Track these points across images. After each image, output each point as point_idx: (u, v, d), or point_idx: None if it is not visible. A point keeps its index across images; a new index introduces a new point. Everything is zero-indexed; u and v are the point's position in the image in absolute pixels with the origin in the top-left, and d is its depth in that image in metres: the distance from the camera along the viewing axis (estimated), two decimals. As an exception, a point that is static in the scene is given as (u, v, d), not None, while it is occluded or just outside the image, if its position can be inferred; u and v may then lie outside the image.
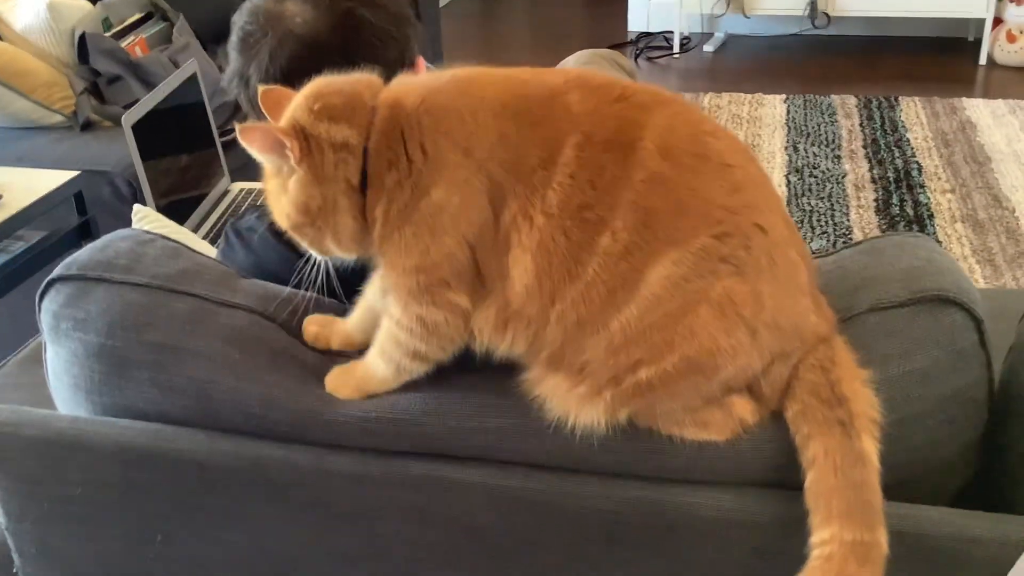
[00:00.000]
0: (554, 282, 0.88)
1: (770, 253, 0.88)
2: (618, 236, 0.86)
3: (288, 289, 1.04)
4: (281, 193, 0.92)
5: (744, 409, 0.91)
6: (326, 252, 0.96)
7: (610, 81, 0.93)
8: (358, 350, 1.00)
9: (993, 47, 4.51)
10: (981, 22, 4.52)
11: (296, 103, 0.92)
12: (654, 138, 0.88)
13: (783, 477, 0.89)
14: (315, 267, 0.99)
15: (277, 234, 1.05)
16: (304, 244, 0.96)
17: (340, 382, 0.97)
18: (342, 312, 1.05)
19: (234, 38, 1.18)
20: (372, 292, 1.01)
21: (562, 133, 0.88)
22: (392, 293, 0.94)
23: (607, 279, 0.87)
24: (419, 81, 0.94)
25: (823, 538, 0.84)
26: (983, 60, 4.54)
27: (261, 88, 0.95)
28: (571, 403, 0.90)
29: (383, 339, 0.95)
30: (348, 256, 0.96)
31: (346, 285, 1.03)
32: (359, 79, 0.94)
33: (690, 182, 0.87)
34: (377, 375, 0.96)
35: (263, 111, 0.95)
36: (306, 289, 1.01)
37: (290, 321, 1.02)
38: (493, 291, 0.91)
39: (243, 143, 0.89)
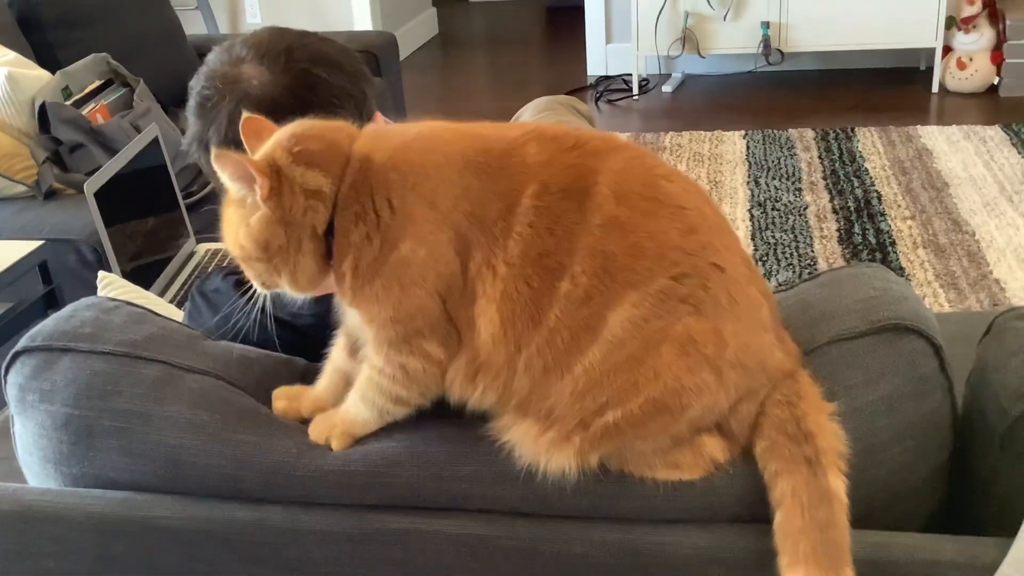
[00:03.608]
0: (518, 330, 0.89)
1: (729, 292, 0.89)
2: (578, 281, 0.87)
3: (251, 348, 1.03)
4: (240, 223, 0.92)
5: (714, 448, 0.92)
6: (272, 287, 0.95)
7: (565, 131, 0.94)
8: None
9: (944, 75, 4.61)
10: (931, 51, 4.62)
11: (276, 140, 0.92)
12: (609, 183, 0.89)
13: (756, 512, 0.89)
14: (252, 300, 0.98)
15: (240, 290, 1.05)
16: (250, 276, 0.95)
17: (324, 429, 0.97)
18: (280, 360, 1.04)
19: (192, 103, 1.19)
20: (338, 354, 1.01)
21: (520, 184, 0.89)
22: (372, 343, 0.94)
23: (570, 324, 0.88)
24: (389, 136, 0.94)
25: None
26: (935, 88, 4.63)
27: (245, 115, 0.95)
28: (540, 449, 0.91)
29: (364, 386, 0.96)
30: (298, 295, 0.96)
31: (279, 322, 1.03)
32: (339, 127, 0.94)
33: (646, 225, 0.89)
34: (360, 419, 0.96)
35: (242, 138, 0.95)
36: (239, 320, 1.00)
37: (257, 384, 1.02)
38: (464, 342, 0.92)
39: (215, 166, 0.89)
